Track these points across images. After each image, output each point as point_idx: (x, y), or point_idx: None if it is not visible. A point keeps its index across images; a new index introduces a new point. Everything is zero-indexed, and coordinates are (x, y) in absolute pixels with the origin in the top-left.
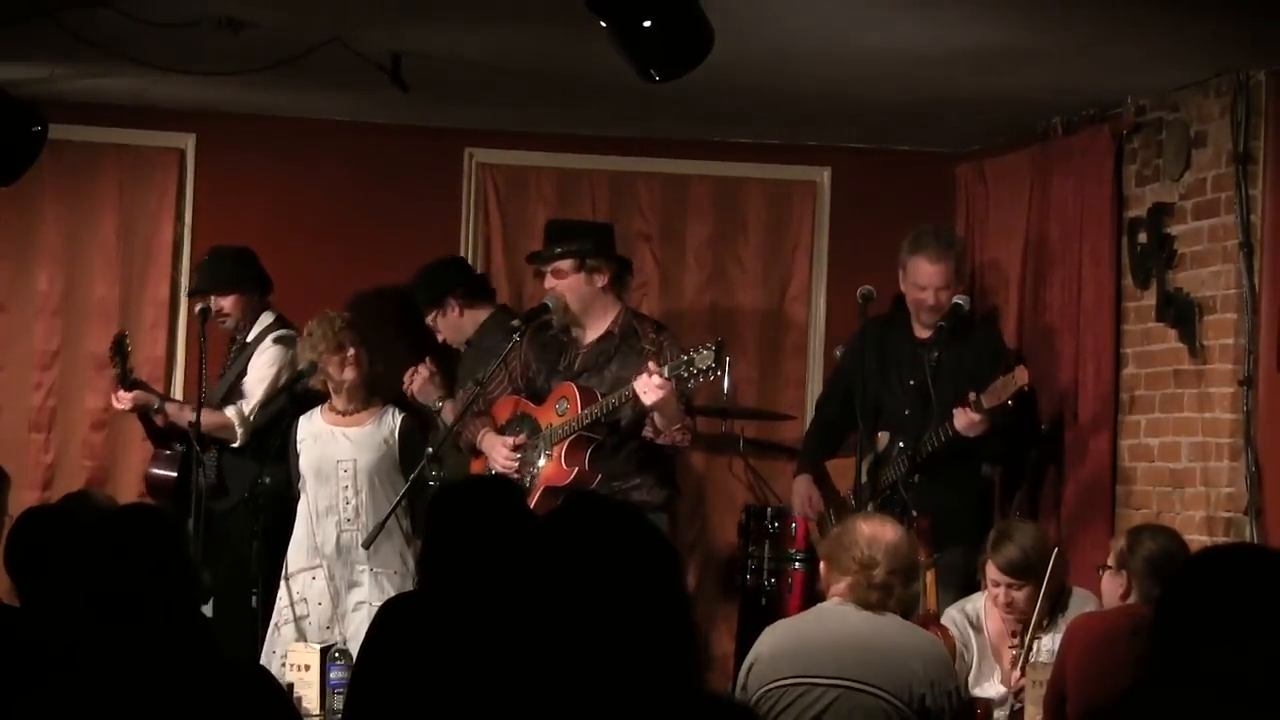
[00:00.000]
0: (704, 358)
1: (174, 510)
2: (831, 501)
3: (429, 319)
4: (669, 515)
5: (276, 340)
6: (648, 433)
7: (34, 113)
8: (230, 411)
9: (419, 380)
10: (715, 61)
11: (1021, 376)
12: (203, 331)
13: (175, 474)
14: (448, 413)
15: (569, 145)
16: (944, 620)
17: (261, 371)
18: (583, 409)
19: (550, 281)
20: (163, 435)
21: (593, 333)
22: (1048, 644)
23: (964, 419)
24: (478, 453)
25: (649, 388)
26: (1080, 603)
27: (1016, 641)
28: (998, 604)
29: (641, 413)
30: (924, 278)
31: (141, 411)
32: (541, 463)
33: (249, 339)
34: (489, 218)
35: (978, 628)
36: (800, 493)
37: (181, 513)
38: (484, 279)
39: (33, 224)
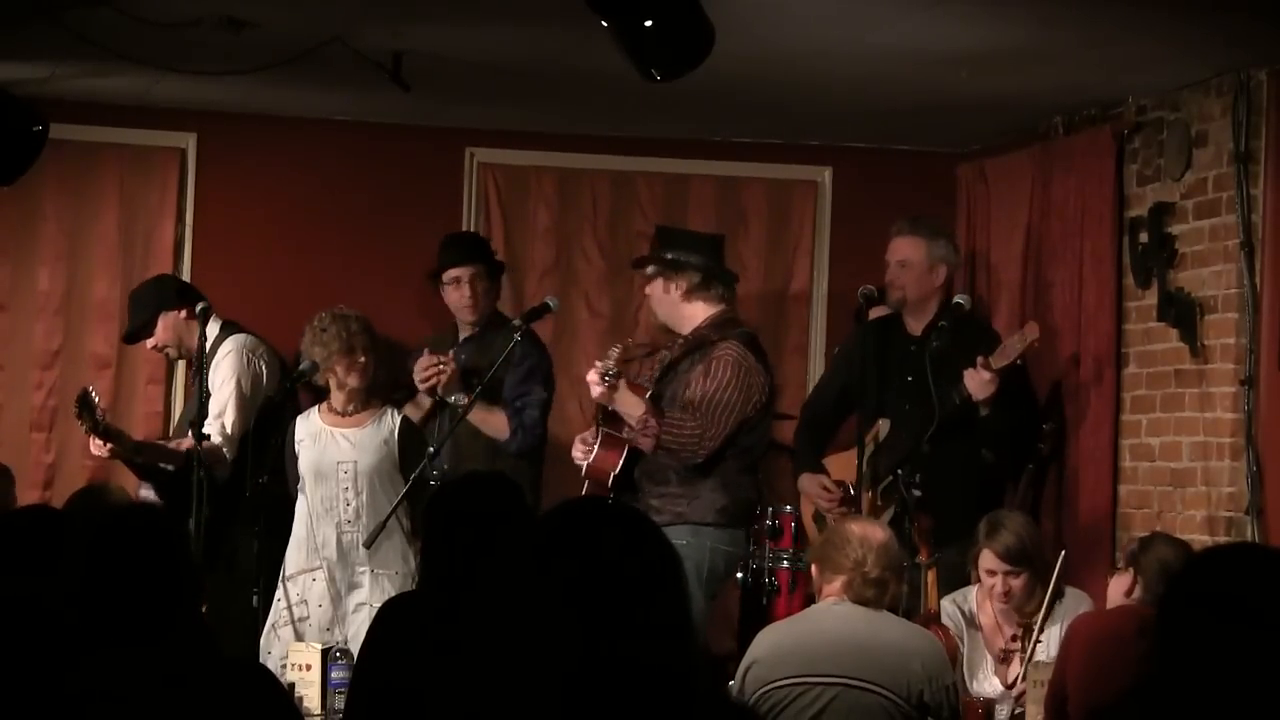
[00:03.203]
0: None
1: (172, 511)
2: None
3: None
4: (715, 530)
5: (229, 349)
6: (626, 433)
7: (35, 112)
8: (215, 438)
9: (448, 376)
10: (716, 61)
11: (1031, 331)
12: (203, 332)
13: (160, 500)
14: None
15: (570, 145)
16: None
17: (224, 389)
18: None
19: (647, 288)
20: (149, 473)
21: (673, 335)
22: (1044, 643)
23: (975, 379)
24: None
25: (591, 384)
26: (1074, 602)
27: (1018, 645)
28: (993, 594)
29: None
30: (887, 251)
31: (120, 458)
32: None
33: (204, 358)
34: (490, 217)
35: (971, 621)
36: (811, 489)
37: (181, 513)
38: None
39: (33, 223)
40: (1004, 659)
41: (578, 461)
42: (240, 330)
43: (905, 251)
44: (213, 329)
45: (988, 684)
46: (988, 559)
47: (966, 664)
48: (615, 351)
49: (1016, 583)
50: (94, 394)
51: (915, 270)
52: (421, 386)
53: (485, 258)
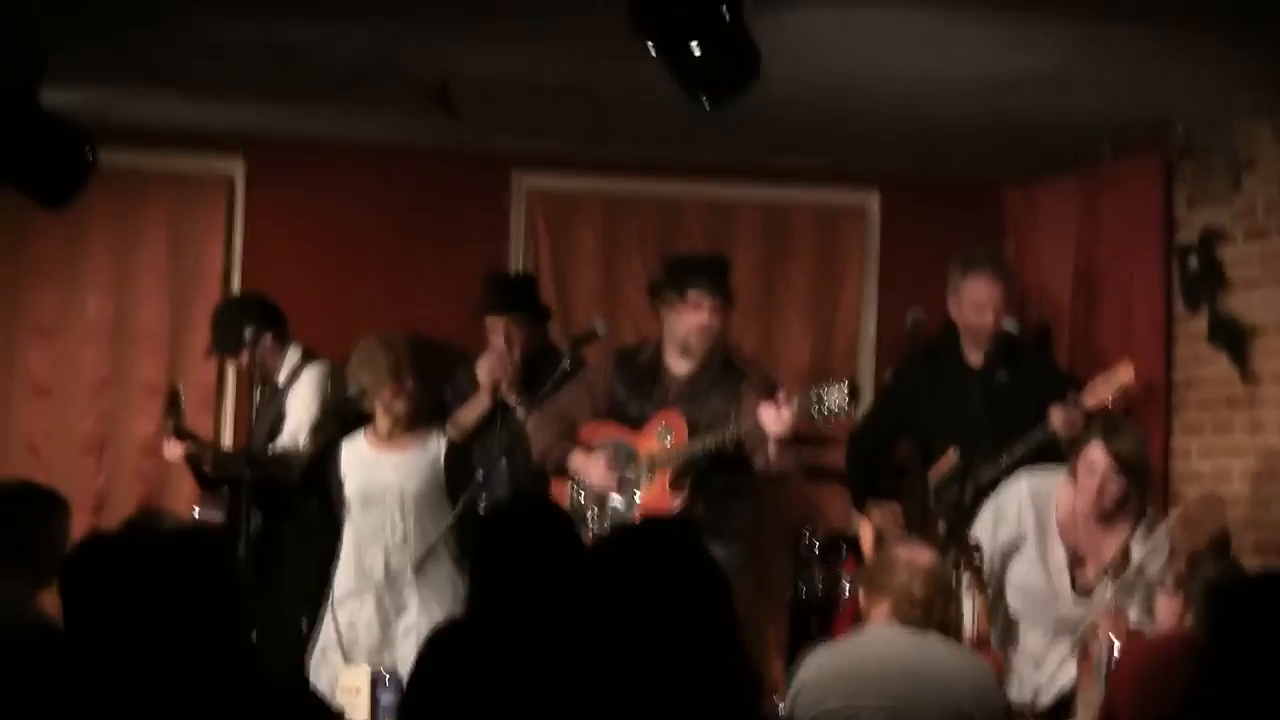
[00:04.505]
0: (837, 395)
1: (225, 535)
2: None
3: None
4: (749, 544)
5: (314, 375)
6: (759, 462)
7: (84, 138)
8: (288, 451)
9: (512, 377)
10: (764, 87)
11: (1126, 374)
12: (253, 356)
13: (223, 517)
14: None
15: (617, 170)
16: (1012, 489)
17: (304, 412)
18: (691, 438)
19: (706, 318)
20: (211, 483)
21: (687, 364)
22: (1143, 541)
23: (1062, 417)
24: (560, 473)
25: (777, 420)
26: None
27: (1107, 571)
28: (1082, 489)
29: (740, 442)
30: (984, 296)
31: (191, 461)
32: (641, 487)
33: (280, 381)
34: (537, 243)
35: (1046, 504)
36: (885, 522)
37: (231, 539)
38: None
39: (82, 249)
40: (1078, 561)
41: (608, 489)
42: (318, 357)
43: (998, 294)
44: (293, 355)
45: (1052, 563)
46: (1096, 453)
47: (1029, 542)
48: (829, 402)
49: (1114, 487)
50: (183, 395)
51: (1002, 311)
52: (487, 382)
53: (525, 305)
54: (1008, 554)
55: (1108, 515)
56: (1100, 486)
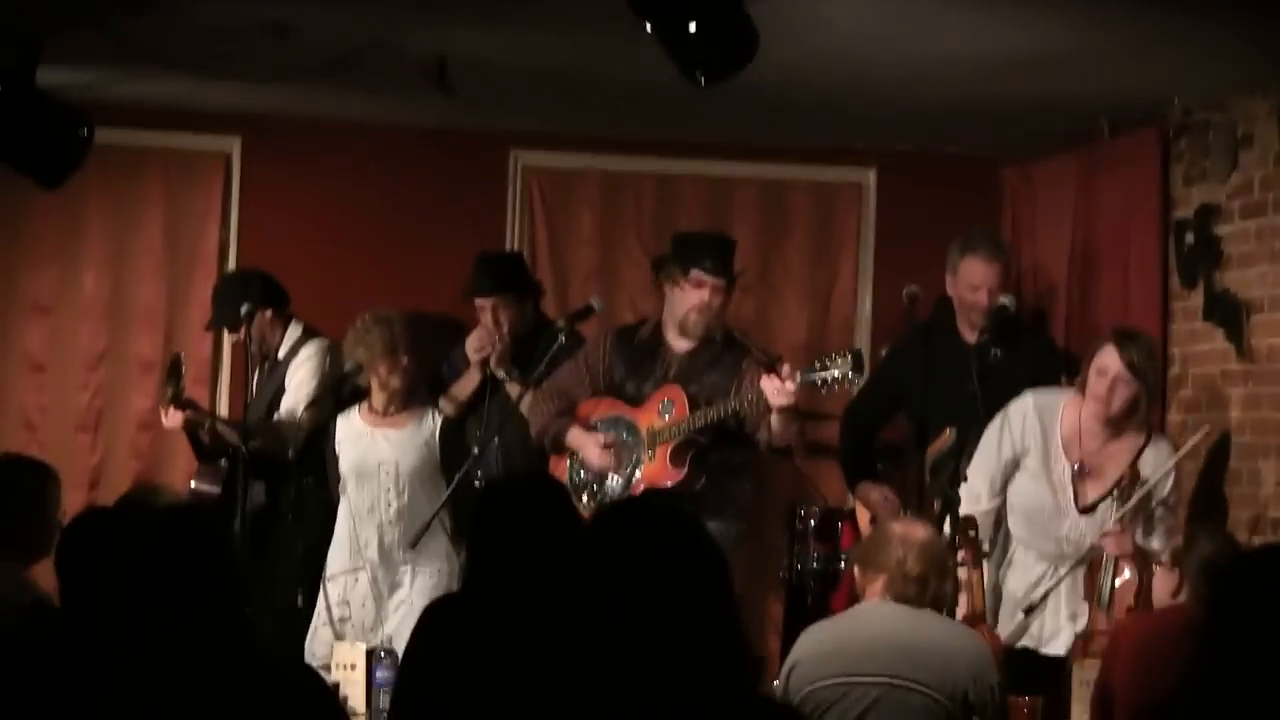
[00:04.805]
0: (839, 365)
1: (219, 511)
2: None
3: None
4: (747, 521)
5: (313, 351)
6: (762, 436)
7: (80, 116)
8: (285, 422)
9: (501, 348)
10: (760, 65)
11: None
12: (249, 331)
13: (219, 490)
14: (513, 389)
15: (614, 148)
16: (1018, 403)
17: (304, 388)
18: (692, 412)
19: (707, 295)
20: (209, 453)
21: (688, 341)
22: (1151, 458)
23: None
24: (558, 449)
25: (781, 392)
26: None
27: (1114, 488)
28: (1098, 396)
29: (741, 416)
30: (979, 277)
31: (189, 430)
32: (642, 462)
33: (280, 356)
34: (534, 221)
35: (1051, 418)
36: (875, 499)
37: (227, 514)
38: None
39: (79, 227)
40: (1081, 475)
41: (606, 470)
42: (318, 334)
43: (996, 275)
44: (294, 331)
45: (1056, 476)
46: (1109, 356)
47: (1038, 451)
48: (832, 371)
49: (1124, 390)
50: (184, 363)
51: (999, 291)
52: (475, 357)
53: (514, 285)
54: (1010, 471)
55: (1115, 423)
56: (1110, 388)
